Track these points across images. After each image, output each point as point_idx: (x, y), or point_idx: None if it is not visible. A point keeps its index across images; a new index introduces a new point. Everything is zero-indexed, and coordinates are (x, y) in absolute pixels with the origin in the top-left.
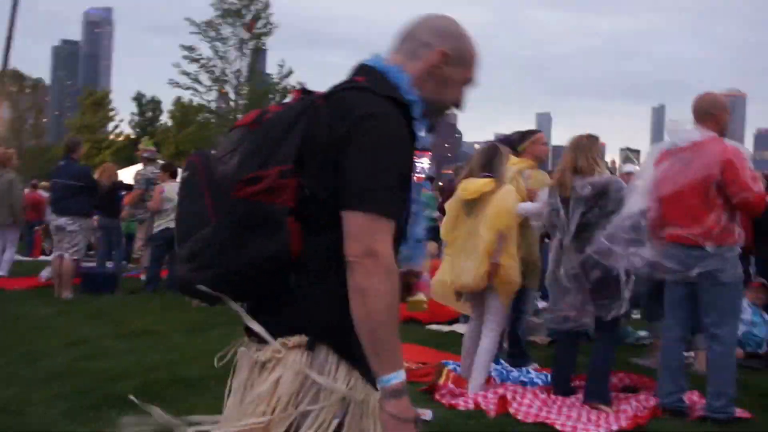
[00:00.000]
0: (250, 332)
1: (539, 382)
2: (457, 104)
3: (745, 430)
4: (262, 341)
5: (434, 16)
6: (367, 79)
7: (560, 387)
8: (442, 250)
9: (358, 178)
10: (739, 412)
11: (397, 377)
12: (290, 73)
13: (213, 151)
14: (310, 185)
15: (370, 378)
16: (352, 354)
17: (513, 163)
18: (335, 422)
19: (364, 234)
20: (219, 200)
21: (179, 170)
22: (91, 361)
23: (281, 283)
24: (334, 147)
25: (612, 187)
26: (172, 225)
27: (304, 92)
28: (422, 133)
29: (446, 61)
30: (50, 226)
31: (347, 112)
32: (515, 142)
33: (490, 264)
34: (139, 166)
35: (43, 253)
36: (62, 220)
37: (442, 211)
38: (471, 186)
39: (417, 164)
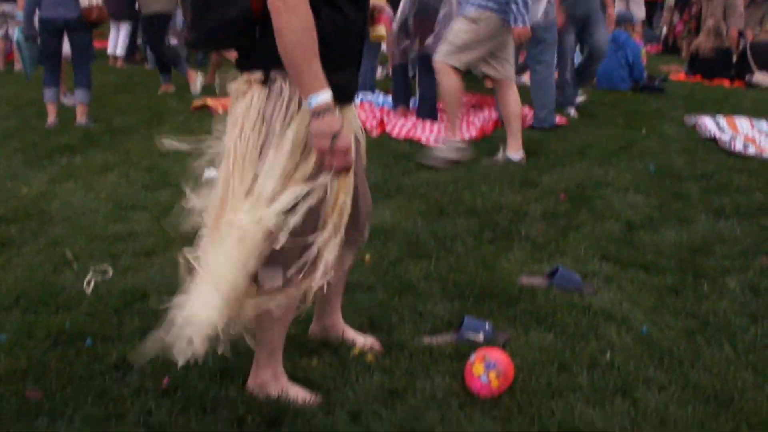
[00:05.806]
0: (239, 68)
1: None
2: None
3: (563, 131)
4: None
5: None
6: None
7: (399, 104)
8: None
9: None
10: (558, 120)
11: (316, 99)
12: None
13: None
14: None
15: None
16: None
17: None
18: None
19: None
20: None
21: None
22: (38, 120)
23: (250, 37)
24: None
25: None
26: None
27: None
28: None
29: None
30: None
31: None
32: None
33: None
34: None
35: None
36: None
37: None
38: None
39: None
